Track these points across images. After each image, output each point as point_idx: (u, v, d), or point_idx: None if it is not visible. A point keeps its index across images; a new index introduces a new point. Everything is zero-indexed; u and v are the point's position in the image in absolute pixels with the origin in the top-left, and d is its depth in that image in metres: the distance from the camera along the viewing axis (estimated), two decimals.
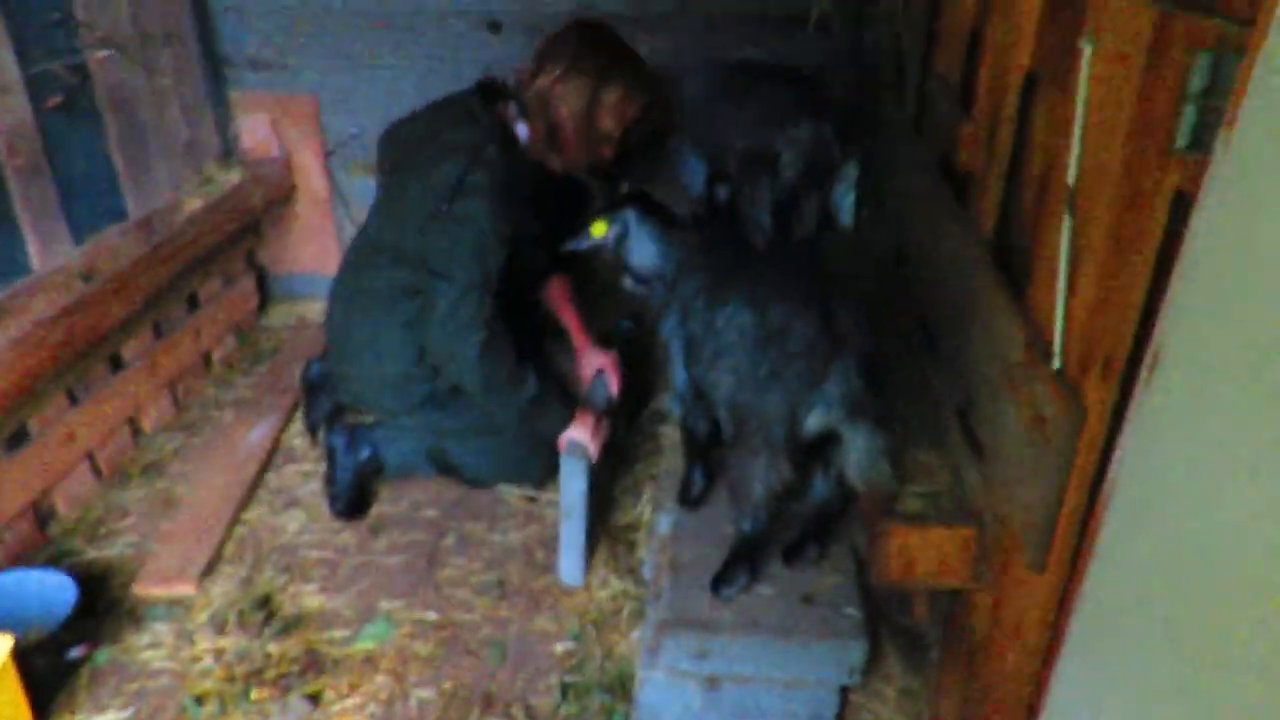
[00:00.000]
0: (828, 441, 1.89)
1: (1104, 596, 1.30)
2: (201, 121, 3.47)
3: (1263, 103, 0.91)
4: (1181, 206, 1.10)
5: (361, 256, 2.60)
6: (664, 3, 3.36)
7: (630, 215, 2.33)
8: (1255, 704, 0.90)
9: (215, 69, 3.50)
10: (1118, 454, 1.25)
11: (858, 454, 1.79)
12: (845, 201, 3.26)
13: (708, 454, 2.35)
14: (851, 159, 3.23)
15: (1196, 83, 1.03)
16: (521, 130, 2.49)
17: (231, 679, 2.16)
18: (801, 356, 1.78)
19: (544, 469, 2.79)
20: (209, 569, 2.48)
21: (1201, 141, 1.05)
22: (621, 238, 2.34)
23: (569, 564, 2.45)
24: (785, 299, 1.84)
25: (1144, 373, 1.16)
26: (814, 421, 1.81)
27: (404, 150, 2.52)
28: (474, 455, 2.70)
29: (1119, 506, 1.25)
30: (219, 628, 2.30)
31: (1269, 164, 0.90)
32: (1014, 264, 1.90)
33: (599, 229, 2.35)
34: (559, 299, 2.90)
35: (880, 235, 3.03)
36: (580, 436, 2.43)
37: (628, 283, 2.44)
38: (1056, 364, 1.41)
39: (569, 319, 2.88)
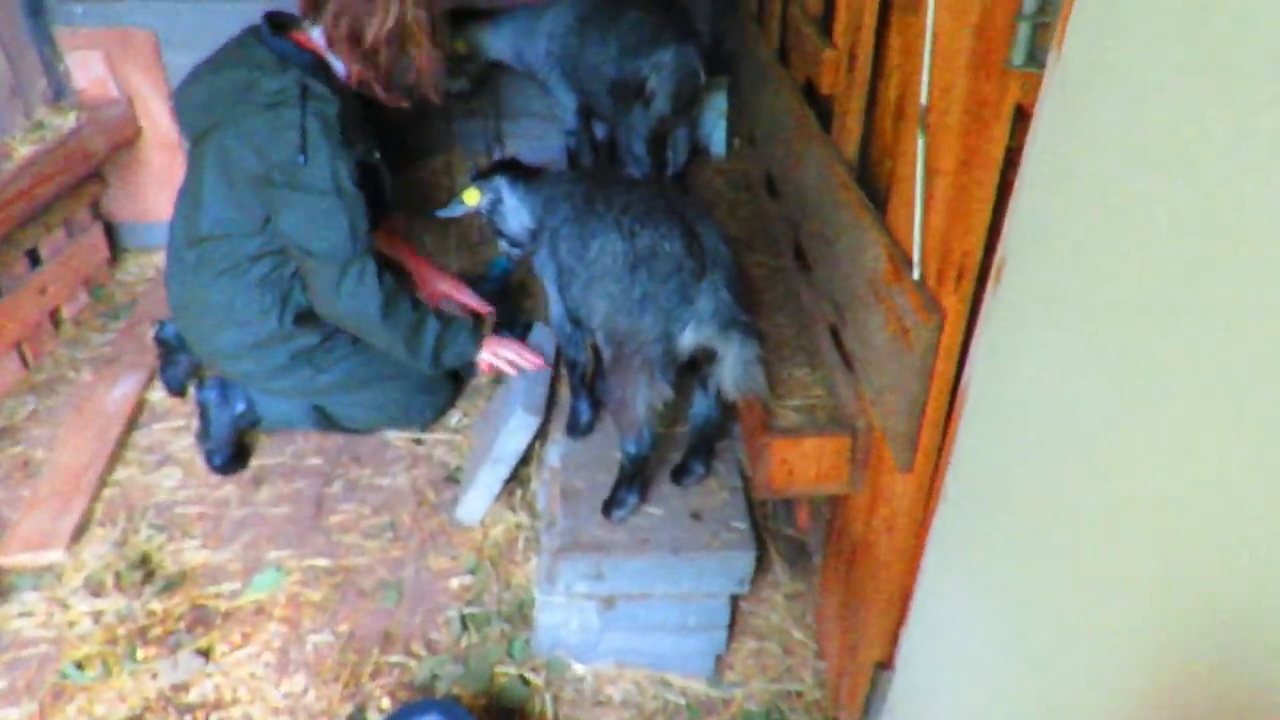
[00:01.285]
0: (704, 359, 1.97)
1: (962, 490, 1.42)
2: (25, 61, 3.18)
3: (1088, 21, 0.99)
4: (1023, 122, 1.18)
5: (193, 228, 2.35)
6: None
7: (501, 183, 2.33)
8: (1093, 576, 1.02)
9: (37, 3, 3.21)
10: (971, 356, 1.36)
11: (731, 364, 1.86)
12: (716, 131, 3.31)
13: (592, 384, 2.39)
14: (719, 89, 3.28)
15: (1030, 2, 1.10)
16: (338, 64, 2.31)
17: (114, 640, 2.09)
18: (671, 277, 1.84)
19: (432, 409, 2.78)
20: (78, 533, 2.37)
21: (1036, 59, 1.12)
22: (495, 204, 2.35)
23: (475, 505, 2.46)
24: (652, 224, 1.89)
25: (992, 278, 1.26)
26: (688, 338, 1.88)
27: (212, 111, 2.25)
28: (354, 407, 2.66)
29: (974, 404, 1.36)
30: (95, 590, 2.21)
31: (1095, 80, 0.99)
32: (876, 183, 1.99)
33: (471, 197, 2.35)
34: (387, 236, 2.85)
35: (751, 162, 3.10)
36: (533, 403, 2.44)
37: (503, 245, 2.46)
38: (916, 275, 1.50)
39: (403, 252, 2.86)
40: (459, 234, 3.60)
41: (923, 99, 1.40)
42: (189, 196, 2.37)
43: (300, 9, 2.30)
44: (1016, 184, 1.16)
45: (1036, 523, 1.16)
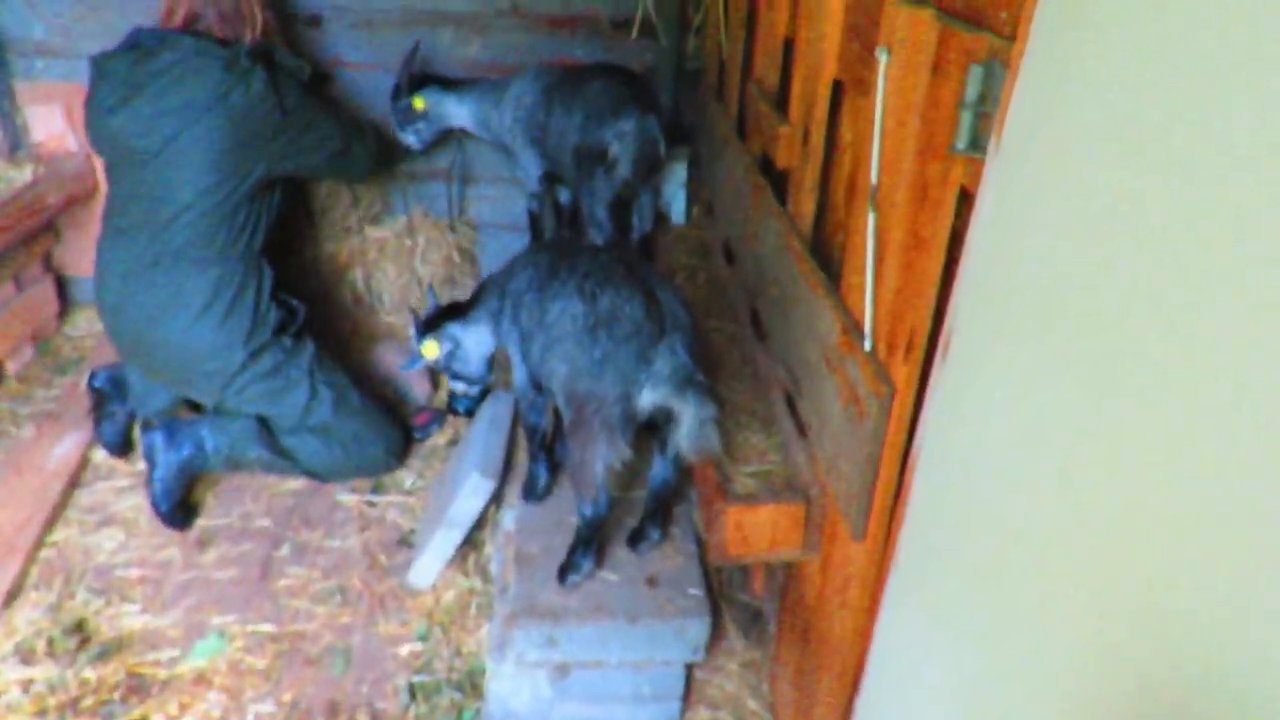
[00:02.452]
0: (662, 422, 1.98)
1: (914, 557, 1.44)
2: None
3: (1025, 113, 1.05)
4: (967, 202, 1.24)
5: (163, 233, 2.46)
6: (499, 2, 3.37)
7: (455, 330, 2.38)
8: (1040, 638, 1.04)
9: None
10: (921, 425, 1.39)
11: (688, 424, 1.88)
12: (676, 199, 3.38)
13: (550, 448, 2.39)
14: (680, 159, 3.36)
15: (972, 91, 1.16)
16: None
17: (43, 711, 2.00)
18: (631, 339, 1.87)
19: (382, 446, 2.76)
20: (11, 597, 2.28)
21: (978, 143, 1.18)
22: (453, 351, 2.40)
23: (427, 569, 2.42)
24: (612, 287, 1.92)
25: (939, 351, 1.30)
26: (647, 399, 1.90)
27: (161, 126, 2.41)
28: (307, 436, 2.65)
29: (923, 474, 1.39)
30: (25, 658, 2.12)
31: (1031, 167, 1.04)
32: (830, 254, 2.05)
33: (430, 351, 2.39)
34: None
35: (709, 231, 3.17)
36: (489, 466, 2.43)
37: (459, 387, 2.53)
38: (868, 346, 1.54)
39: None
40: (419, 295, 3.60)
41: (873, 179, 1.45)
42: (145, 209, 2.48)
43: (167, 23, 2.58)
44: (961, 262, 1.21)
45: (987, 591, 1.18)
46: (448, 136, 3.48)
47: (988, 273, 1.16)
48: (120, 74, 2.42)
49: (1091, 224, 0.92)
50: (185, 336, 2.50)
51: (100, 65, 2.47)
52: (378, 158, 2.99)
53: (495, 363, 2.54)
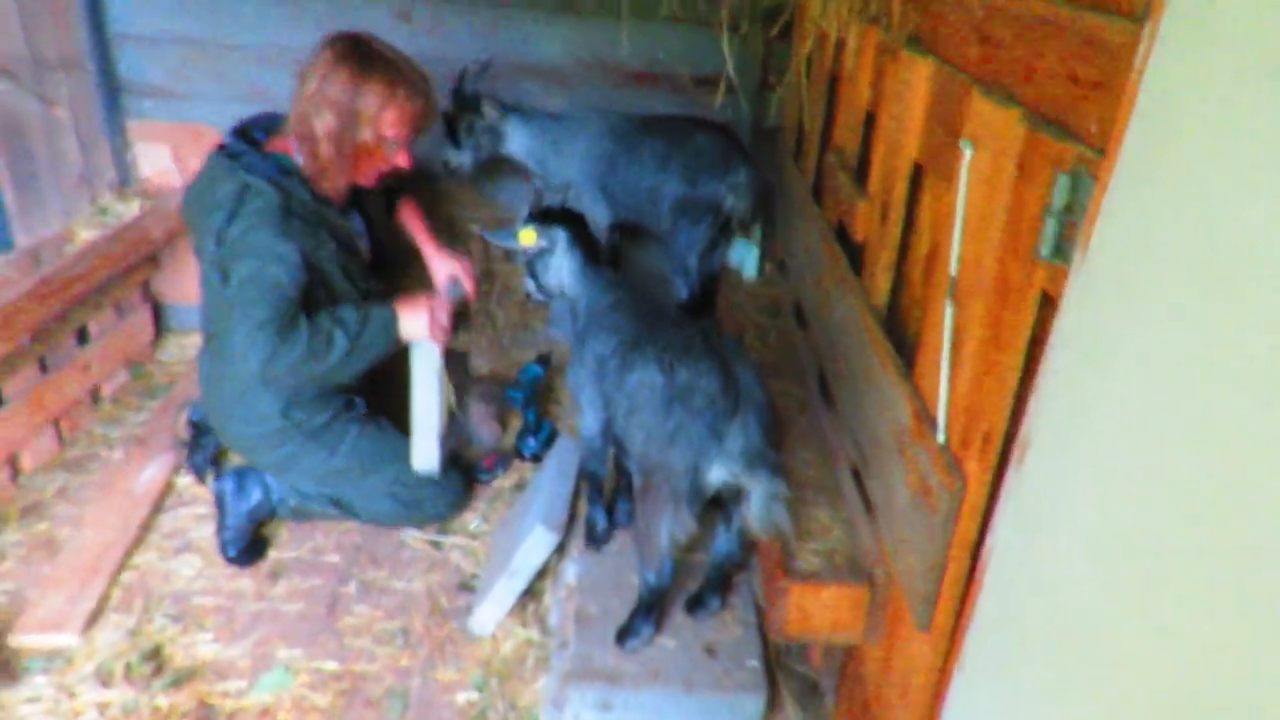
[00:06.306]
0: (729, 497, 1.98)
1: (981, 658, 1.41)
2: (97, 150, 3.36)
3: (1112, 228, 1.04)
4: (1049, 307, 1.22)
5: (210, 322, 2.55)
6: (584, 56, 3.46)
7: (561, 237, 2.34)
8: None
9: (114, 97, 3.40)
10: (994, 524, 1.37)
11: (757, 501, 1.88)
12: (750, 256, 3.40)
13: (614, 496, 2.41)
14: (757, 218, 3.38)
15: (1058, 199, 1.15)
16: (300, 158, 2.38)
17: None
18: (704, 413, 1.87)
19: (443, 502, 2.81)
20: (94, 618, 2.38)
21: (1062, 251, 1.17)
22: (544, 253, 2.35)
23: (487, 617, 2.45)
24: (691, 360, 1.93)
25: (1016, 455, 1.28)
26: (715, 474, 1.90)
27: (192, 223, 2.45)
28: (367, 499, 2.70)
29: (994, 572, 1.36)
30: (104, 680, 2.21)
31: (1118, 282, 1.03)
32: (905, 331, 2.03)
33: (528, 237, 2.33)
34: (409, 215, 2.88)
35: (782, 290, 3.17)
36: (554, 519, 2.43)
37: (530, 286, 2.46)
38: (941, 437, 1.52)
39: (418, 230, 2.84)
40: (491, 335, 3.68)
41: (952, 272, 1.44)
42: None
43: None
44: (1041, 369, 1.19)
45: (1055, 706, 1.15)
46: (522, 182, 3.55)
47: (1069, 382, 1.14)
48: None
49: (1178, 348, 0.91)
50: (224, 424, 2.61)
51: None
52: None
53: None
